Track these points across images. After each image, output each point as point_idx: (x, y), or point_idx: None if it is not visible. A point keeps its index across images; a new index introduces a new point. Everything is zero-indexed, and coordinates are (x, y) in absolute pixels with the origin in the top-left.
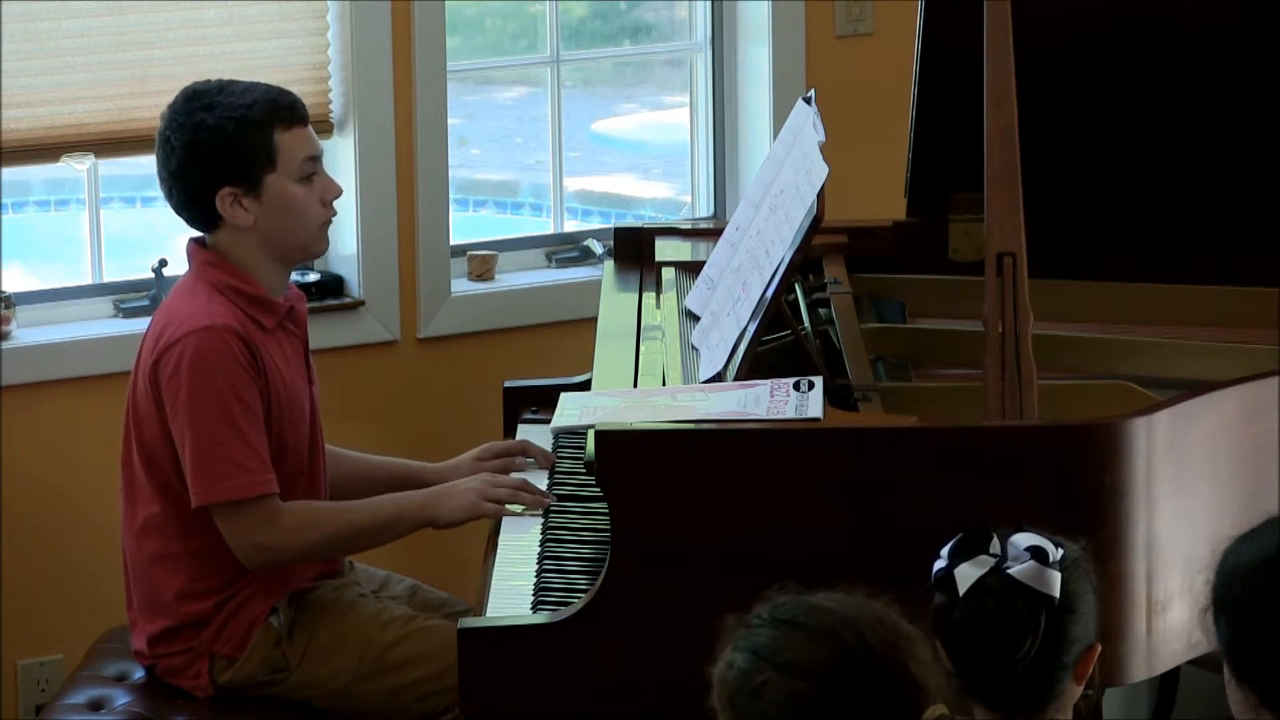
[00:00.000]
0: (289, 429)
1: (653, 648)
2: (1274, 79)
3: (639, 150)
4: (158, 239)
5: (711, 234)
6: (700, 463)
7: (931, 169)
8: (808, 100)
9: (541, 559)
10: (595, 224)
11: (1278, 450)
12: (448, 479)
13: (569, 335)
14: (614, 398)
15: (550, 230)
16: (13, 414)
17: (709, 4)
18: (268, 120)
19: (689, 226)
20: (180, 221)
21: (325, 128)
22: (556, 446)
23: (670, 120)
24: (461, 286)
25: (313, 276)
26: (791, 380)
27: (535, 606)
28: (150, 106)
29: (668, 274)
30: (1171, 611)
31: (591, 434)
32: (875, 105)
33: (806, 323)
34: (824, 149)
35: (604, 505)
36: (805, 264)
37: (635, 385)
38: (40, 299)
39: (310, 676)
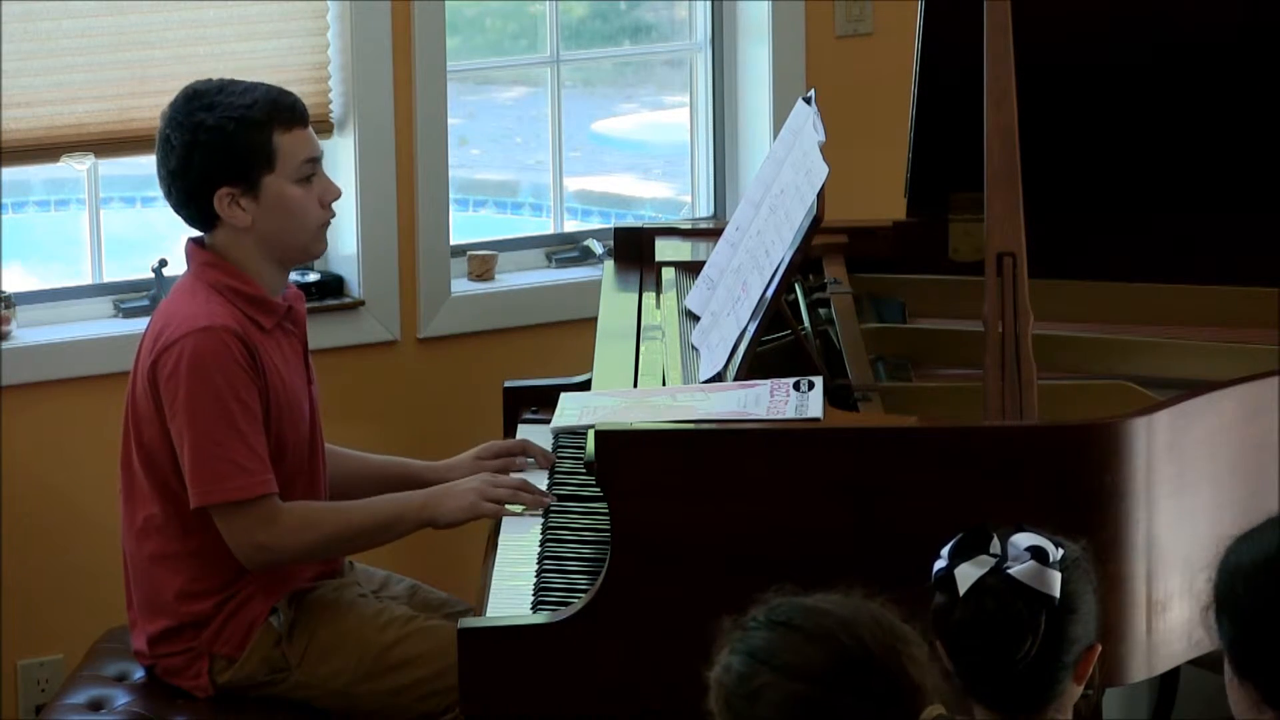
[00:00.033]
0: (288, 429)
1: (653, 648)
2: (1274, 79)
3: (639, 150)
4: (158, 239)
5: (711, 234)
6: (700, 463)
7: (931, 169)
8: (808, 100)
9: (541, 559)
10: (595, 224)
11: (1278, 450)
12: (448, 478)
13: (569, 335)
14: (614, 398)
15: (550, 230)
16: (13, 414)
17: (709, 4)
18: (267, 121)
19: (689, 226)
20: (180, 221)
21: (325, 128)
22: (556, 446)
23: (670, 120)
24: (461, 286)
25: (313, 276)
26: (791, 380)
27: (535, 606)
28: (150, 106)
29: (668, 274)
30: (1171, 611)
31: (591, 434)
32: (875, 105)
33: (806, 323)
34: (824, 149)
35: (604, 505)
36: (805, 264)
37: (635, 385)
38: (40, 299)
39: (310, 676)
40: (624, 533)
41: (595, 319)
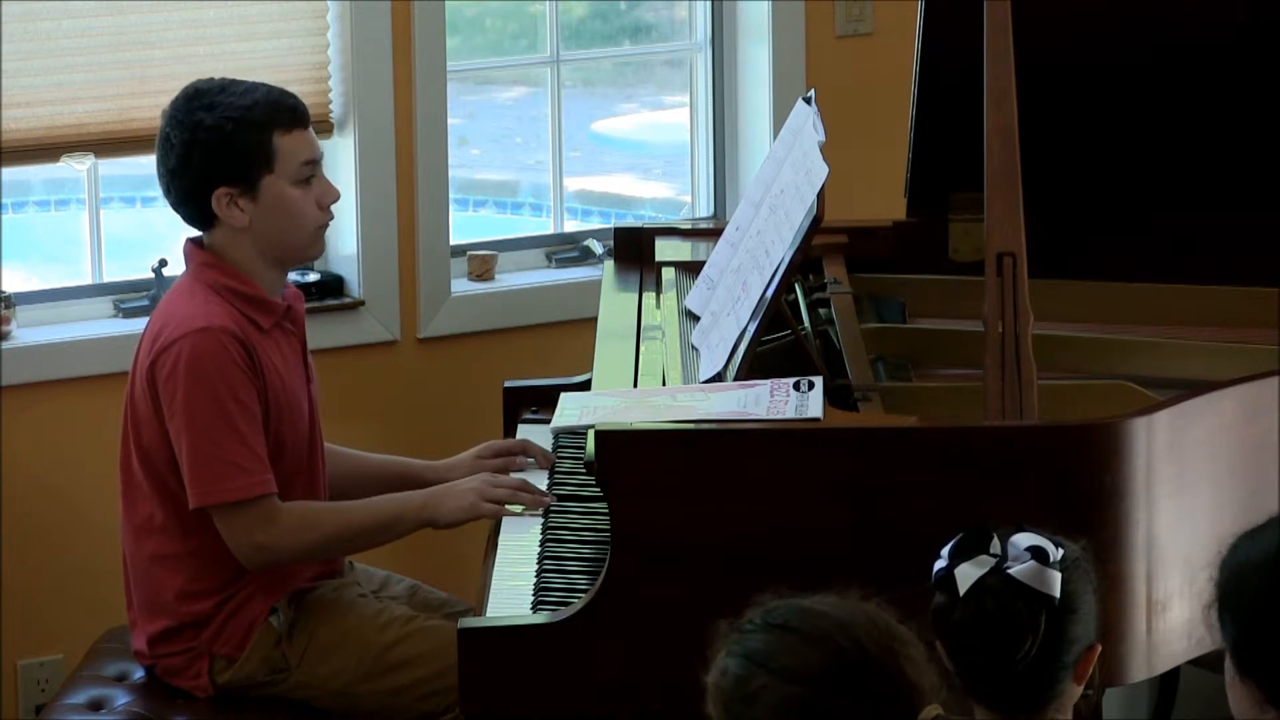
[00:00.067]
0: (287, 428)
1: (653, 648)
2: (1274, 79)
3: (639, 150)
4: (158, 239)
5: (711, 234)
6: (700, 463)
7: (931, 169)
8: (808, 100)
9: (541, 559)
10: (595, 224)
11: (1278, 450)
12: (448, 477)
13: (569, 335)
14: (614, 398)
15: (550, 230)
16: (13, 414)
17: (709, 4)
18: (267, 122)
19: (689, 226)
20: (180, 222)
21: (325, 128)
22: (556, 446)
23: (670, 120)
24: (461, 286)
25: (313, 276)
26: (791, 380)
27: (535, 606)
28: (150, 106)
29: (668, 274)
30: (1171, 611)
31: (591, 434)
32: (875, 105)
33: (806, 323)
34: (824, 149)
35: (604, 505)
36: (805, 264)
37: (635, 385)
38: (40, 299)
39: (310, 676)
40: (624, 533)
41: (595, 319)
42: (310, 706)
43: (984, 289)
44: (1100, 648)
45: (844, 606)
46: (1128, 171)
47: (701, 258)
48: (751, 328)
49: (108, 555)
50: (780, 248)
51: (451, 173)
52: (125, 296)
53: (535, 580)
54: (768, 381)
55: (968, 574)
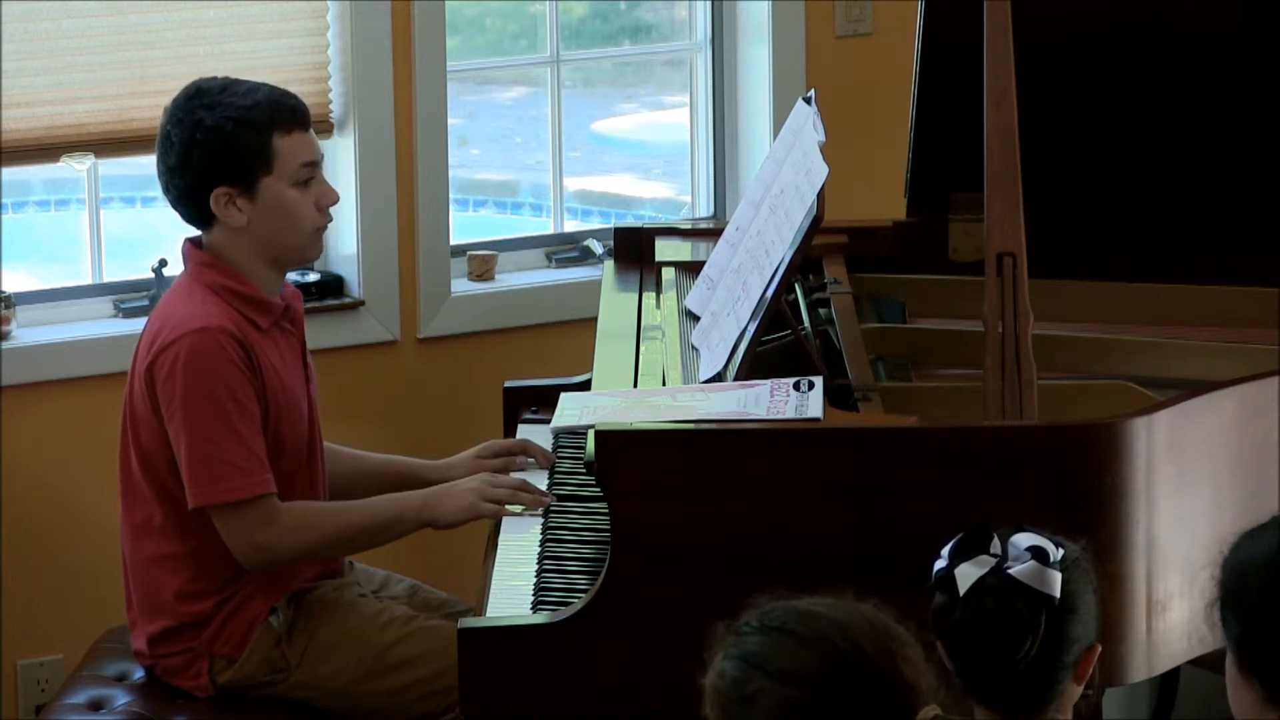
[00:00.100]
0: (286, 428)
1: (653, 648)
2: (1274, 79)
3: (639, 150)
4: (158, 239)
5: (711, 234)
6: (700, 463)
7: (931, 169)
8: (808, 100)
9: (541, 559)
10: (595, 224)
11: (1278, 450)
12: (448, 477)
13: (569, 335)
14: (614, 398)
15: (550, 230)
16: (13, 414)
17: (709, 4)
18: (267, 123)
19: (689, 226)
20: (180, 221)
21: (325, 128)
22: (556, 446)
23: (670, 120)
24: (461, 286)
25: (313, 276)
26: (791, 380)
27: (535, 606)
28: (150, 106)
29: (668, 274)
30: (1171, 611)
31: (591, 434)
32: (875, 105)
33: (806, 323)
34: (824, 149)
35: (604, 505)
36: (805, 264)
37: (635, 385)
38: (40, 299)
39: (310, 676)
40: (624, 533)
41: (595, 319)
42: (310, 706)
43: (984, 289)
44: (1100, 648)
45: (841, 608)
46: (1128, 171)
47: (701, 258)
48: (751, 328)
49: (108, 555)
50: (780, 248)
51: (451, 173)
52: (125, 296)
53: (535, 580)
54: (768, 381)
55: (968, 574)
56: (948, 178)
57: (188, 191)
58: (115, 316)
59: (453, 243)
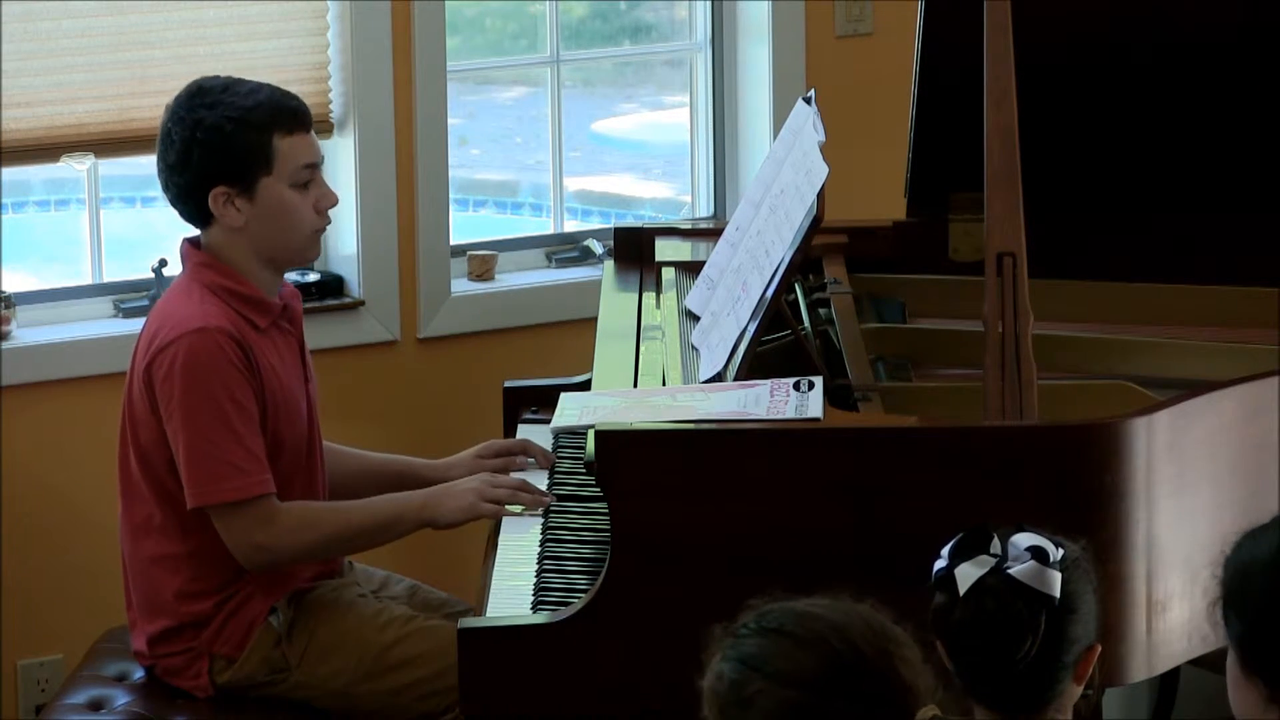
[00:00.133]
0: (285, 428)
1: (653, 648)
2: (1274, 79)
3: (639, 150)
4: (158, 239)
5: (711, 234)
6: (700, 463)
7: (931, 169)
8: (808, 100)
9: (541, 559)
10: (595, 224)
11: (1278, 450)
12: (448, 476)
13: (569, 335)
14: (614, 398)
15: (550, 230)
16: (13, 414)
17: (709, 4)
18: (268, 124)
19: (689, 226)
20: (180, 221)
21: (325, 128)
22: (556, 446)
23: (670, 120)
24: (461, 286)
25: (313, 276)
26: (791, 380)
27: (535, 606)
28: (150, 106)
29: (668, 274)
30: (1171, 611)
31: (591, 434)
32: (875, 105)
33: (806, 323)
34: (824, 149)
35: (604, 505)
36: (805, 264)
37: (635, 385)
38: (40, 299)
39: (310, 676)
40: (624, 533)
41: (595, 319)
42: (310, 706)
43: (984, 289)
44: (1100, 648)
45: (838, 609)
46: (1128, 171)
47: (701, 258)
48: (751, 328)
49: (108, 555)
50: (780, 248)
51: (451, 173)
52: (125, 296)
53: (535, 580)
54: (768, 381)
55: (968, 574)
56: (948, 178)
57: (186, 190)
58: (115, 316)
59: (453, 243)
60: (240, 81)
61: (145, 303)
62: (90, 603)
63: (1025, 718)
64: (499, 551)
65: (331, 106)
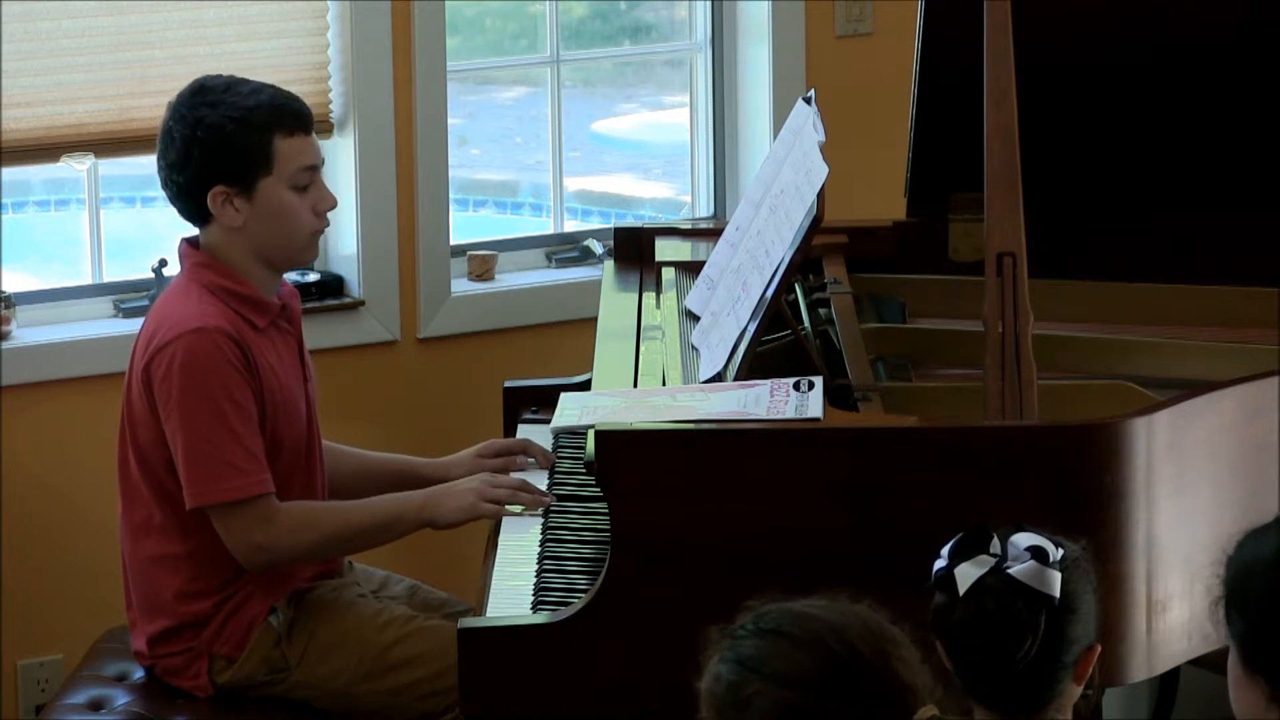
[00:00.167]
0: (284, 427)
1: (653, 648)
2: (1274, 79)
3: (639, 150)
4: (158, 239)
5: (711, 234)
6: (700, 463)
7: (931, 169)
8: (808, 100)
9: (541, 559)
10: (595, 224)
11: (1278, 450)
12: (448, 475)
13: (569, 335)
14: (614, 398)
15: (550, 230)
16: (13, 414)
17: (709, 4)
18: (269, 124)
19: (689, 226)
20: (180, 221)
21: (325, 128)
22: (556, 446)
23: (670, 120)
24: (461, 286)
25: (313, 276)
26: (791, 380)
27: (535, 606)
28: (150, 106)
29: (668, 274)
30: (1171, 611)
31: (591, 434)
32: (875, 105)
33: (806, 323)
34: (824, 149)
35: (604, 505)
36: (805, 264)
37: (635, 385)
38: (40, 299)
39: (310, 676)
40: (624, 533)
41: (595, 319)
42: (310, 706)
43: (984, 289)
44: (1100, 648)
45: (836, 609)
46: (1128, 171)
47: (701, 258)
48: (751, 328)
49: (108, 555)
50: (780, 248)
51: (451, 173)
52: (125, 296)
53: (535, 580)
54: (768, 381)
55: (968, 574)
56: (948, 178)
57: (186, 188)
58: (115, 316)
59: (453, 243)
60: (243, 81)
61: (145, 303)
62: (90, 603)
63: (1025, 718)
64: (499, 551)
65: (331, 106)
